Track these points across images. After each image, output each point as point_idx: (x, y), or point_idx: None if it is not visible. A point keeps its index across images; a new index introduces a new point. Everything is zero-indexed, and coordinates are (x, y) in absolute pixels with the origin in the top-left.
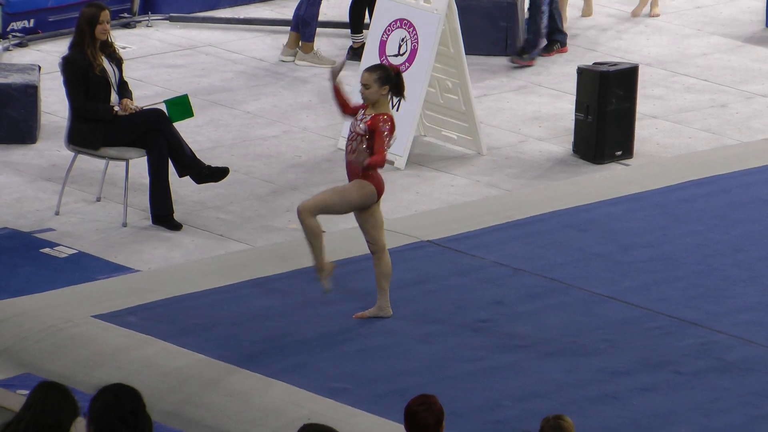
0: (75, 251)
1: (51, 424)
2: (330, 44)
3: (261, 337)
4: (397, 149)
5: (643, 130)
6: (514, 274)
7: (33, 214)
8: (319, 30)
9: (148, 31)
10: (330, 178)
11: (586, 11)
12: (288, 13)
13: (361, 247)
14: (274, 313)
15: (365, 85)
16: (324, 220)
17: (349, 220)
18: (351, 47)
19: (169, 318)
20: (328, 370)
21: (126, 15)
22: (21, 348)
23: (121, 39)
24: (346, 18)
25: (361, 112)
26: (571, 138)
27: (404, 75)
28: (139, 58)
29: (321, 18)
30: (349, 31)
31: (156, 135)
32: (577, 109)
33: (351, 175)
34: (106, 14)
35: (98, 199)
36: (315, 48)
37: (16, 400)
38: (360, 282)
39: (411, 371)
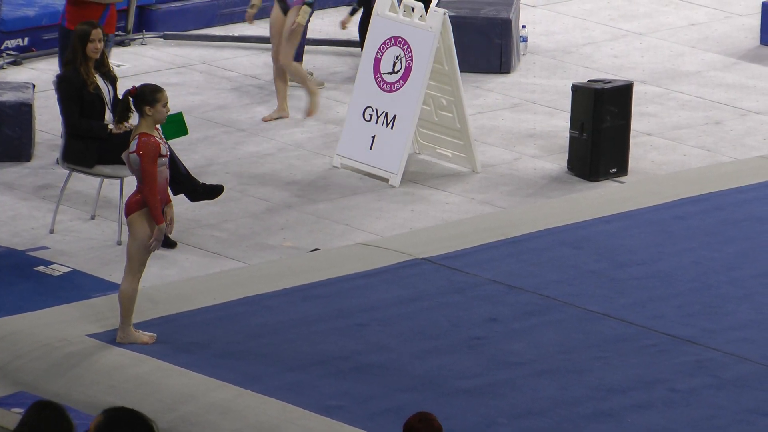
0: (69, 269)
1: None
2: (339, 63)
3: (256, 355)
4: (392, 167)
5: (637, 147)
6: (509, 292)
7: (27, 232)
8: (327, 48)
9: (143, 49)
10: (325, 195)
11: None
12: None
13: (356, 265)
14: (269, 331)
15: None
16: (320, 239)
17: (345, 239)
18: None
19: (163, 336)
20: (323, 387)
21: (120, 33)
22: (16, 366)
23: (115, 57)
24: (347, 36)
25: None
26: (566, 155)
27: (399, 92)
28: (134, 76)
29: (328, 36)
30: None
31: None
32: (571, 127)
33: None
34: (97, 33)
35: (93, 217)
36: (304, 69)
37: (10, 418)
38: (353, 299)
39: (406, 388)
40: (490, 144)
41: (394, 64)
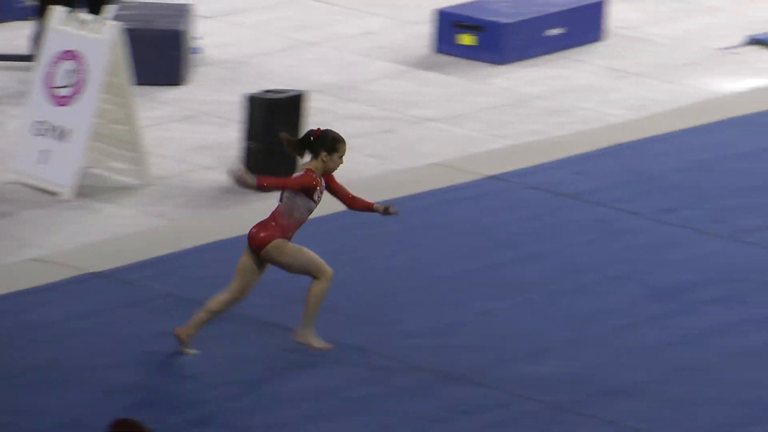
0: None
1: None
2: (12, 78)
3: None
4: (64, 181)
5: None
6: (185, 304)
7: None
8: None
9: None
10: None
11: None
12: None
13: (27, 281)
14: None
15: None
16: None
17: (15, 255)
18: None
19: None
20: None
21: None
22: None
23: None
24: (20, 51)
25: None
26: (240, 166)
27: (72, 106)
28: None
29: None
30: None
31: None
32: (245, 138)
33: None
34: None
35: None
36: None
37: None
38: (24, 316)
39: (81, 403)
40: (163, 156)
41: (68, 77)
